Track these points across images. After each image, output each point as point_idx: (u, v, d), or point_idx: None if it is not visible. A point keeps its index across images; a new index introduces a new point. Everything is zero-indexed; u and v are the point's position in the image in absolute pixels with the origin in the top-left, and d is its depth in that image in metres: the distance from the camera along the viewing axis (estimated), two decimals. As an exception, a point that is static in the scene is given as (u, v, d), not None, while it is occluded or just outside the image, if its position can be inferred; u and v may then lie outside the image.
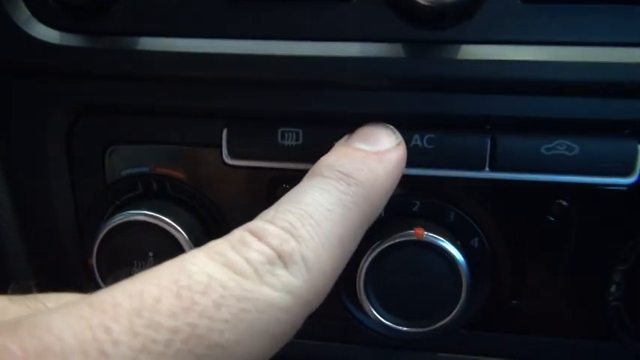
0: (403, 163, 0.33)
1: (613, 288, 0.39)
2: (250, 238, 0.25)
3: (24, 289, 0.28)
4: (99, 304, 0.21)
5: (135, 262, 0.39)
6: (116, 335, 0.20)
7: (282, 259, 0.25)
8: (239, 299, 0.23)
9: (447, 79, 0.35)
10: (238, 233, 0.26)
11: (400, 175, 0.33)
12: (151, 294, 0.21)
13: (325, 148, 0.36)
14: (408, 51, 0.35)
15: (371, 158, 0.31)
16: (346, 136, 0.35)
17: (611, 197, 0.37)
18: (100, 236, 0.39)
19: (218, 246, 0.25)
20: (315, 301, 0.26)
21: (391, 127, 0.35)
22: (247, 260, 0.24)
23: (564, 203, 0.38)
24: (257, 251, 0.24)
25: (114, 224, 0.39)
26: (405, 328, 0.38)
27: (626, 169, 0.36)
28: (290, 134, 0.38)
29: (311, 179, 0.30)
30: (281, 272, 0.24)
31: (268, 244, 0.25)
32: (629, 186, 0.36)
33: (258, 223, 0.26)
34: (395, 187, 0.32)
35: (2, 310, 0.25)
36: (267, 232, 0.25)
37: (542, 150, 0.36)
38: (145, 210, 0.39)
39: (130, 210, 0.39)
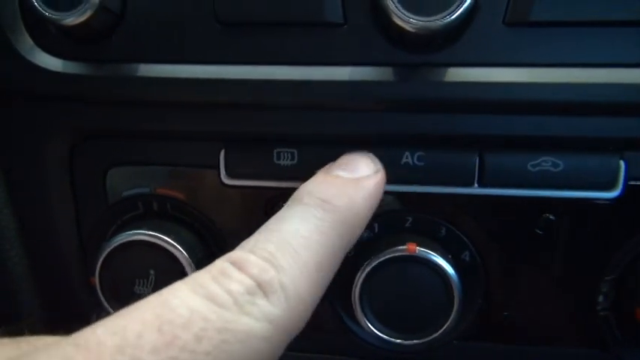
0: (381, 189, 0.34)
1: (601, 298, 0.40)
2: (231, 269, 0.25)
3: (16, 332, 0.29)
4: (83, 344, 0.21)
5: (137, 280, 0.40)
6: None
7: (262, 288, 0.25)
8: (220, 331, 0.23)
9: (434, 101, 0.36)
10: (220, 264, 0.26)
11: (378, 201, 0.33)
12: (133, 330, 0.22)
13: (319, 167, 0.37)
14: (397, 74, 0.36)
15: (349, 185, 0.32)
16: (329, 164, 0.35)
17: (596, 210, 0.38)
18: (103, 255, 0.40)
19: (200, 278, 0.25)
20: (295, 329, 0.26)
21: (371, 155, 0.36)
22: (228, 292, 0.24)
23: (551, 217, 0.39)
24: (237, 282, 0.25)
25: (116, 244, 0.40)
26: (399, 341, 0.39)
27: (609, 183, 0.37)
28: (285, 154, 0.39)
29: (291, 207, 0.30)
30: (261, 302, 0.25)
31: (248, 274, 0.25)
32: (613, 199, 0.37)
33: (239, 253, 0.26)
34: (373, 212, 0.33)
35: None
36: (247, 263, 0.26)
37: (529, 166, 0.37)
38: (146, 230, 0.40)
39: (131, 230, 0.40)
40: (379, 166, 0.35)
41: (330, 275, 0.29)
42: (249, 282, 0.25)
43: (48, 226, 0.43)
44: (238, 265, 0.25)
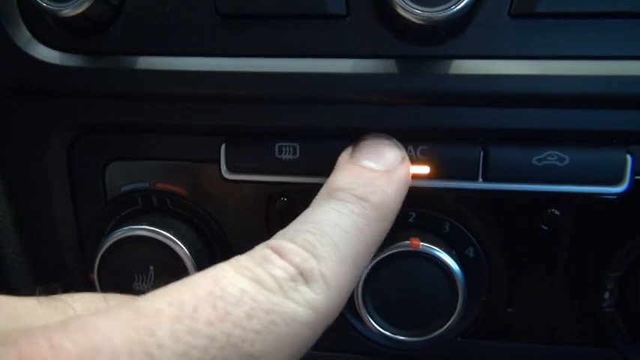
0: (409, 177, 0.35)
1: (606, 295, 0.39)
2: (272, 256, 0.27)
3: (50, 291, 0.30)
4: (141, 309, 0.22)
5: (136, 275, 0.40)
6: (160, 339, 0.21)
7: (304, 276, 0.27)
8: (268, 312, 0.24)
9: (438, 93, 0.36)
10: (260, 250, 0.27)
11: (407, 189, 0.34)
12: (189, 303, 0.23)
13: (322, 161, 0.38)
14: (401, 66, 0.36)
15: (382, 179, 0.33)
16: (349, 150, 0.35)
17: (602, 206, 0.38)
18: (102, 251, 0.40)
19: (244, 261, 0.26)
20: (333, 316, 0.28)
21: (393, 139, 0.36)
22: (272, 276, 0.26)
23: (557, 212, 0.39)
24: (280, 268, 0.26)
25: (115, 239, 0.40)
26: (402, 338, 0.39)
27: (615, 178, 0.37)
28: (287, 148, 0.39)
29: (327, 201, 0.31)
30: (303, 289, 0.26)
31: (290, 262, 0.27)
32: (619, 194, 0.37)
33: (279, 241, 0.28)
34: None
35: (32, 312, 0.27)
36: (287, 250, 0.27)
37: (534, 161, 0.37)
38: (145, 225, 0.40)
39: (130, 225, 0.40)
40: (404, 151, 0.36)
41: (364, 268, 0.31)
42: (291, 269, 0.26)
43: (46, 222, 0.42)
44: (279, 252, 0.27)
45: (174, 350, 0.21)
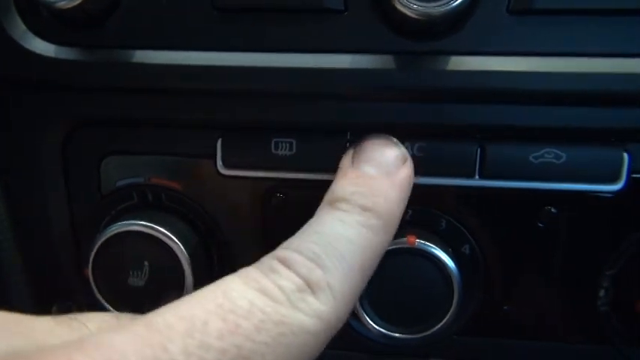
0: (412, 178, 0.35)
1: (602, 293, 0.40)
2: (279, 266, 0.28)
3: (64, 310, 0.31)
4: (154, 325, 0.23)
5: (131, 271, 0.40)
6: (172, 354, 0.22)
7: (311, 286, 0.27)
8: (277, 324, 0.25)
9: (436, 90, 0.36)
10: (267, 261, 0.28)
11: (410, 190, 0.35)
12: (199, 317, 0.24)
13: (319, 157, 0.38)
14: (399, 62, 0.36)
15: (385, 185, 0.33)
16: (350, 152, 0.36)
17: (598, 203, 0.39)
18: (96, 246, 0.40)
19: (252, 272, 0.27)
20: (339, 325, 0.29)
21: (394, 139, 0.36)
22: (280, 287, 0.26)
23: (553, 210, 0.39)
24: (287, 279, 0.27)
25: (110, 234, 0.40)
26: (398, 335, 0.39)
27: (612, 176, 0.37)
28: (284, 144, 0.39)
29: (330, 212, 0.32)
30: (310, 299, 0.27)
31: (297, 273, 0.27)
32: (616, 192, 0.38)
33: (285, 252, 0.28)
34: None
35: (48, 331, 0.28)
36: (294, 261, 0.28)
37: (531, 158, 0.37)
38: (140, 220, 0.40)
39: (125, 220, 0.40)
40: (405, 151, 0.36)
41: (370, 274, 0.32)
42: (298, 280, 0.27)
43: (40, 216, 0.43)
44: (286, 264, 0.28)
45: None
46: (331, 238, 0.30)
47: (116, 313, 0.32)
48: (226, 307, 0.25)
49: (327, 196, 0.33)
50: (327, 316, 0.28)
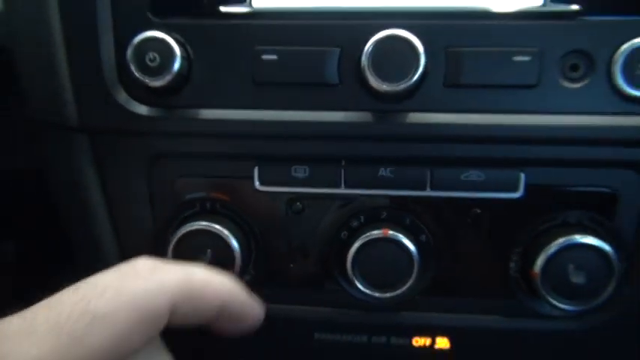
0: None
1: (512, 265, 0.53)
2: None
3: None
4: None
5: (198, 256, 0.52)
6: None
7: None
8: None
9: (399, 134, 0.50)
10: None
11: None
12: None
13: (324, 177, 0.52)
14: (374, 117, 0.50)
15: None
16: None
17: (507, 205, 0.51)
18: (174, 240, 0.51)
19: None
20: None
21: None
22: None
23: (478, 210, 0.52)
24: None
25: (184, 232, 0.52)
26: (378, 294, 0.50)
27: (514, 187, 0.51)
28: (300, 169, 0.52)
29: None
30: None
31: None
32: (518, 198, 0.51)
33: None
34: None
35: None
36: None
37: (462, 177, 0.51)
38: (203, 222, 0.52)
39: (192, 222, 0.52)
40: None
41: None
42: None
43: (133, 220, 0.56)
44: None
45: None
46: None
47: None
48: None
49: None
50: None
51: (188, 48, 0.50)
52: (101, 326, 0.32)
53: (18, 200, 0.73)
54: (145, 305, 0.35)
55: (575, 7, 0.48)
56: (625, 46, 0.47)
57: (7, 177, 0.70)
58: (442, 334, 0.56)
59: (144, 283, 0.37)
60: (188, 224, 0.52)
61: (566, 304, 0.49)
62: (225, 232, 0.52)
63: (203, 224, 0.52)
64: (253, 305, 0.47)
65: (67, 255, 0.59)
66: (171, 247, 0.53)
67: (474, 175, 0.51)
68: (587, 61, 0.48)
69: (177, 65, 0.48)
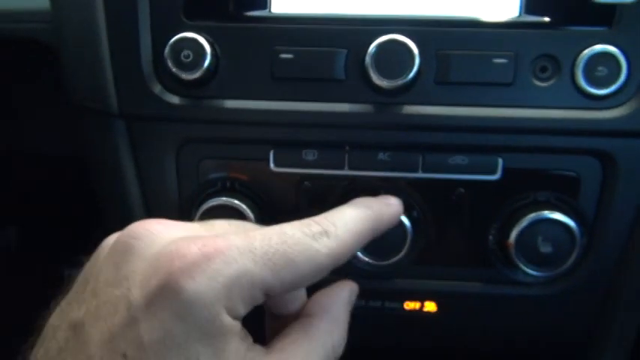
0: (395, 219, 0.50)
1: (491, 238, 0.58)
2: (311, 222, 0.40)
3: None
4: (250, 233, 0.37)
5: None
6: (256, 247, 0.36)
7: (327, 233, 0.39)
8: (304, 245, 0.38)
9: (396, 123, 0.56)
10: (305, 220, 0.41)
11: (395, 218, 0.51)
12: (268, 233, 0.38)
13: (331, 161, 0.59)
14: (375, 108, 0.55)
15: (380, 202, 0.49)
16: None
17: (487, 186, 0.57)
18: (198, 214, 0.57)
19: (296, 223, 0.40)
20: (340, 261, 0.40)
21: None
22: (310, 230, 0.39)
23: (462, 190, 0.58)
24: (315, 227, 0.40)
25: (206, 207, 0.57)
26: (375, 262, 0.56)
27: (493, 170, 0.57)
28: (309, 153, 0.58)
29: (346, 205, 0.45)
30: (325, 239, 0.39)
31: (320, 225, 0.40)
32: (496, 180, 0.57)
33: (315, 218, 0.41)
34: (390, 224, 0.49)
35: (197, 229, 0.42)
36: (319, 221, 0.41)
37: (449, 160, 0.57)
38: (223, 197, 0.57)
39: (214, 198, 0.57)
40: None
41: (363, 243, 0.44)
42: (320, 228, 0.40)
43: (162, 196, 0.63)
44: (315, 221, 0.41)
45: (266, 250, 0.36)
46: (344, 214, 0.43)
47: (226, 221, 0.45)
48: (281, 232, 0.38)
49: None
50: (332, 250, 0.39)
51: (216, 47, 0.56)
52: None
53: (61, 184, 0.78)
54: None
55: (546, 18, 0.56)
56: (586, 52, 0.56)
57: (52, 163, 0.76)
58: (430, 299, 0.62)
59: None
60: (210, 200, 0.58)
61: (536, 270, 0.56)
62: (243, 206, 0.58)
63: (224, 200, 0.58)
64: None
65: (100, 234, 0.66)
66: (195, 220, 0.61)
67: (459, 159, 0.58)
68: (554, 64, 0.55)
69: (207, 62, 0.55)
